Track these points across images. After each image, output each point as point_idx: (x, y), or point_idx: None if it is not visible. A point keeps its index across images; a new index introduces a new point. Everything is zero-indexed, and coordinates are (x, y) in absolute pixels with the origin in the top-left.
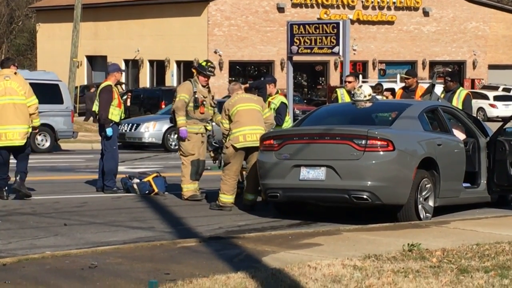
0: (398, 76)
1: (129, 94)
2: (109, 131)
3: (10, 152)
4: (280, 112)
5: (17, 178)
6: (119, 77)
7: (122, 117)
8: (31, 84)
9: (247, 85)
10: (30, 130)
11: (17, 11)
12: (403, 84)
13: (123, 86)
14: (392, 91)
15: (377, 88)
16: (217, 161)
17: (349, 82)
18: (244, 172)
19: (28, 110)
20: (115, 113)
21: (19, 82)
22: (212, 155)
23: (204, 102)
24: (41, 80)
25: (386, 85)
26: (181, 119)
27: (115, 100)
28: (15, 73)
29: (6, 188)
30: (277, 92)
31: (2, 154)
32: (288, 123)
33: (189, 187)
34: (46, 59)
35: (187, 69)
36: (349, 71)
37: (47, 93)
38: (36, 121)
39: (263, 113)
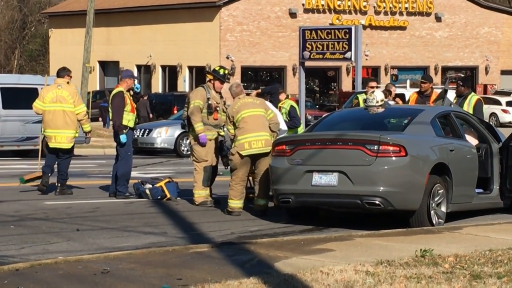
0: (408, 81)
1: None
2: (123, 137)
3: (57, 153)
4: (294, 115)
5: (58, 185)
6: (130, 84)
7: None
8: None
9: (260, 90)
10: (77, 135)
11: (29, 16)
12: (413, 90)
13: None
14: (402, 96)
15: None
16: (228, 166)
17: (372, 87)
18: (251, 178)
19: (77, 117)
20: (128, 118)
21: (70, 91)
22: (224, 160)
23: (218, 108)
24: None
25: (396, 91)
26: (199, 125)
27: (128, 106)
28: (68, 82)
29: (50, 175)
30: (287, 97)
31: (50, 154)
32: (300, 127)
33: (201, 193)
34: (59, 65)
35: (199, 75)
36: (361, 76)
37: None
38: (85, 126)
39: (267, 115)
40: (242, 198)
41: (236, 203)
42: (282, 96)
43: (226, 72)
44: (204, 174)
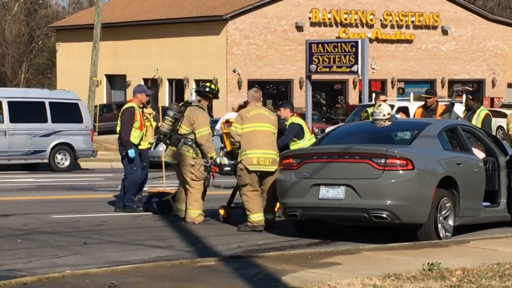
0: (412, 95)
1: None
2: (131, 152)
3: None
4: (286, 133)
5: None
6: (143, 99)
7: (152, 141)
8: (50, 103)
9: (242, 103)
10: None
11: (37, 30)
12: (416, 103)
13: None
14: (405, 110)
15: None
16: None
17: (384, 100)
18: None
19: None
20: (135, 135)
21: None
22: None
23: None
24: (61, 99)
25: (399, 104)
26: (215, 153)
27: (136, 122)
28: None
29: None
30: (293, 115)
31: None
32: (311, 141)
33: (201, 212)
34: (66, 78)
35: None
36: (373, 89)
37: (66, 112)
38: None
39: (275, 132)
40: (262, 209)
41: (259, 216)
42: (287, 115)
43: (214, 87)
44: (203, 192)
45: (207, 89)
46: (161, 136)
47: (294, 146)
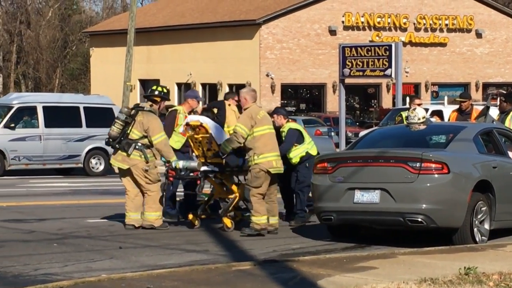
0: (446, 98)
1: None
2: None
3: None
4: (287, 139)
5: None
6: (194, 105)
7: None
8: (85, 108)
9: (205, 106)
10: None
11: (71, 35)
12: (451, 107)
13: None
14: (439, 113)
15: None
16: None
17: (418, 105)
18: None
19: None
20: (176, 139)
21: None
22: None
23: None
24: (95, 104)
25: (433, 108)
26: (175, 157)
27: (179, 127)
28: (229, 104)
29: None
30: (288, 121)
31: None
32: (311, 144)
33: (161, 216)
34: (100, 83)
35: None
36: (402, 93)
37: (101, 117)
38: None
39: None
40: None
41: (265, 219)
42: (282, 121)
43: (161, 89)
44: (162, 194)
45: (156, 93)
46: (110, 140)
47: (295, 151)
